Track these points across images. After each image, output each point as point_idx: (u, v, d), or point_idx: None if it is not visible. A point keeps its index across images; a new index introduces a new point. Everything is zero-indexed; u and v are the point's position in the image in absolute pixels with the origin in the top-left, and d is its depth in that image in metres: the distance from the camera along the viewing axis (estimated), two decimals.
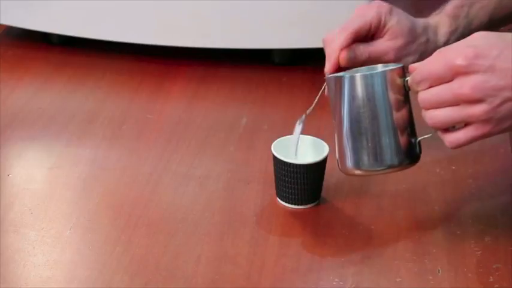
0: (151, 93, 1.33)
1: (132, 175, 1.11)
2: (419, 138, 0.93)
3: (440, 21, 1.06)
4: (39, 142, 1.20)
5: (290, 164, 1.01)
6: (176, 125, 1.23)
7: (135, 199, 1.06)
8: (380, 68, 0.95)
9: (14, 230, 1.00)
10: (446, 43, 1.04)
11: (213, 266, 0.94)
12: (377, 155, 0.92)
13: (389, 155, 0.91)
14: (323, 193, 1.05)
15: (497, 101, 0.83)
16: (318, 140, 1.05)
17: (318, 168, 1.03)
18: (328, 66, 0.99)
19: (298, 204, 1.04)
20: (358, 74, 0.91)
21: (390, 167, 0.92)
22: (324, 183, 1.05)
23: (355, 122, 0.92)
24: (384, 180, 1.09)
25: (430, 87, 0.86)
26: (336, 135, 0.95)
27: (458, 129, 0.87)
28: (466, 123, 0.86)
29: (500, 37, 0.85)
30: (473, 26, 1.06)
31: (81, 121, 1.24)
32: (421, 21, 1.04)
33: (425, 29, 1.04)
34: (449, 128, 0.87)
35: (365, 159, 0.92)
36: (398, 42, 1.01)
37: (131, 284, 0.92)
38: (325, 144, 1.04)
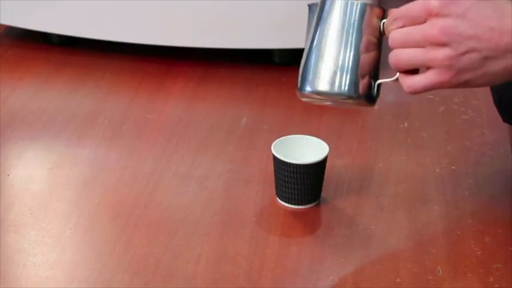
0: (151, 93, 1.33)
1: (132, 175, 1.11)
2: (379, 81, 0.92)
3: None
4: (39, 142, 1.20)
5: (290, 164, 1.02)
6: (176, 125, 1.23)
7: (135, 199, 1.06)
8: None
9: (14, 230, 1.00)
10: None
11: (213, 266, 0.94)
12: (334, 80, 0.90)
13: (346, 83, 0.90)
14: (323, 193, 1.06)
15: (461, 48, 0.83)
16: (318, 140, 1.05)
17: (318, 168, 1.03)
18: None
19: (298, 204, 1.04)
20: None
21: (344, 95, 0.90)
22: (324, 183, 1.05)
23: (324, 44, 0.91)
24: (384, 180, 1.09)
25: (403, 26, 0.87)
26: (303, 57, 0.94)
27: (417, 73, 0.87)
28: (427, 68, 0.86)
29: None
30: None
31: (81, 121, 1.24)
32: None
33: None
34: (410, 72, 0.87)
35: (324, 81, 0.91)
36: None
37: (131, 284, 0.92)
38: (325, 144, 1.04)
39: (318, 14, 0.92)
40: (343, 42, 0.90)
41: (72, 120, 1.24)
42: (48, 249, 0.97)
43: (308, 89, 0.91)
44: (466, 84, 0.85)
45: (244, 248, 0.97)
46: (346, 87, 0.90)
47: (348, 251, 0.97)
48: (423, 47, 0.84)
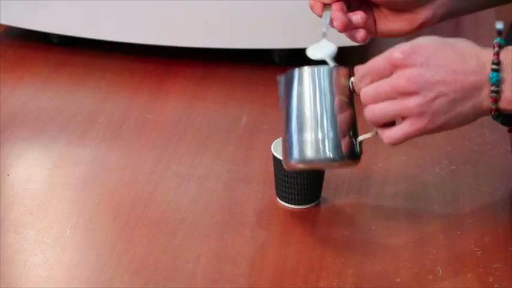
0: (151, 93, 1.33)
1: (132, 175, 1.11)
2: (359, 138, 0.93)
3: None
4: (39, 142, 1.20)
5: None
6: (176, 125, 1.23)
7: (135, 199, 1.06)
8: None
9: (14, 230, 1.00)
10: None
11: (213, 266, 0.94)
12: (318, 148, 0.92)
13: (330, 149, 0.92)
14: (323, 193, 1.06)
15: (431, 94, 0.86)
16: None
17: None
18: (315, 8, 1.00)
19: (298, 204, 1.04)
20: (306, 66, 0.94)
21: (330, 160, 0.92)
22: (324, 183, 1.05)
23: (300, 114, 0.93)
24: (384, 180, 1.09)
25: (372, 82, 0.89)
26: (283, 132, 0.95)
27: (394, 125, 0.89)
28: (402, 118, 0.88)
29: (439, 39, 0.89)
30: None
31: (81, 121, 1.24)
32: None
33: None
34: (388, 124, 0.89)
35: (307, 151, 0.92)
36: None
37: (131, 283, 0.92)
38: None
39: (287, 85, 0.94)
40: (318, 109, 0.92)
41: (72, 120, 1.24)
42: (48, 249, 0.97)
43: (293, 160, 0.93)
44: (441, 127, 0.88)
45: (244, 248, 0.97)
46: (330, 152, 0.92)
47: (348, 251, 0.97)
48: (394, 98, 0.87)
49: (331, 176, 1.07)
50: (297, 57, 1.40)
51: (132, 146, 1.18)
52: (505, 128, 1.14)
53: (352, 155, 0.93)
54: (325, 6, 0.99)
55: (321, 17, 0.99)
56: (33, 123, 1.23)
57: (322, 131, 0.92)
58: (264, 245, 0.98)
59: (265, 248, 0.98)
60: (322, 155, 0.92)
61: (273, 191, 1.06)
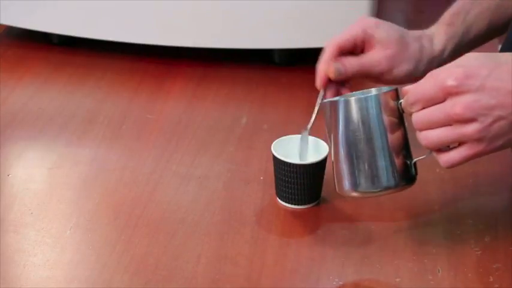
0: (151, 93, 1.33)
1: (132, 175, 1.11)
2: (414, 160, 0.93)
3: (437, 29, 1.06)
4: (39, 142, 1.20)
5: (290, 164, 1.02)
6: (176, 125, 1.23)
7: (135, 199, 1.06)
8: (374, 91, 0.95)
9: (14, 230, 1.00)
10: (443, 51, 1.05)
11: (213, 266, 0.94)
12: (373, 178, 0.92)
13: (385, 177, 0.92)
14: (323, 193, 1.06)
15: (489, 119, 0.84)
16: (318, 140, 1.05)
17: (318, 168, 1.03)
18: (317, 80, 1.02)
19: (298, 204, 1.04)
20: (353, 97, 0.92)
21: (386, 188, 0.93)
22: (324, 183, 1.05)
23: (350, 145, 0.92)
24: None
25: (423, 108, 0.87)
26: (332, 157, 0.96)
27: (452, 149, 0.88)
28: (459, 143, 0.87)
29: (490, 57, 0.86)
30: (472, 33, 1.07)
31: (81, 121, 1.24)
32: (414, 31, 1.05)
33: (419, 37, 1.04)
34: (443, 148, 0.88)
35: (361, 181, 0.93)
36: (389, 51, 1.01)
37: (131, 283, 0.92)
38: (325, 144, 1.03)
39: (334, 113, 0.93)
40: (371, 138, 0.91)
41: (72, 120, 1.24)
42: (48, 249, 0.97)
43: (347, 191, 0.94)
44: (500, 148, 0.87)
45: (244, 248, 0.97)
46: (385, 182, 0.92)
47: (348, 251, 0.97)
48: (450, 125, 0.85)
49: (331, 176, 1.07)
50: (297, 57, 1.40)
51: (132, 146, 1.18)
52: None
53: (407, 178, 0.93)
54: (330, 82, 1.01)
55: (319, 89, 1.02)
56: (33, 123, 1.23)
57: (379, 160, 0.91)
58: (264, 245, 0.98)
59: (265, 248, 0.98)
60: (377, 186, 0.92)
61: (273, 191, 1.06)
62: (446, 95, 0.85)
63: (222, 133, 1.21)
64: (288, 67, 1.40)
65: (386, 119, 0.91)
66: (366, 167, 0.92)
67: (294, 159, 1.03)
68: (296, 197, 1.04)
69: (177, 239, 0.99)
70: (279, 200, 1.05)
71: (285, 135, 1.06)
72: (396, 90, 0.92)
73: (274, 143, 1.04)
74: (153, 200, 1.06)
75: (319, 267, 0.95)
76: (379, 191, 0.93)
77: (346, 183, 0.94)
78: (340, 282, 0.92)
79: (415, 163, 0.94)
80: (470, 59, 0.86)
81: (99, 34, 1.39)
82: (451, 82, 0.85)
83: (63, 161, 1.15)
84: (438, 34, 1.06)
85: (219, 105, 1.30)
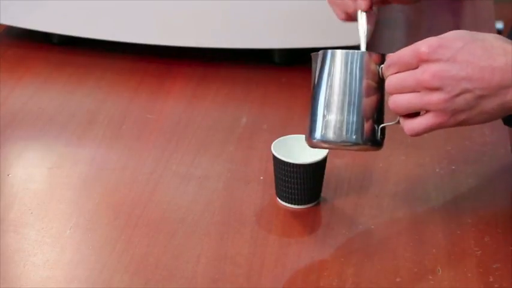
0: (151, 93, 1.33)
1: (132, 175, 1.11)
2: (382, 125, 0.94)
3: None
4: (39, 142, 1.20)
5: (290, 164, 1.02)
6: (176, 125, 1.23)
7: (135, 199, 1.06)
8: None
9: (14, 230, 1.00)
10: None
11: (213, 266, 0.94)
12: (341, 129, 0.93)
13: (352, 131, 0.93)
14: (323, 193, 1.06)
15: (455, 90, 0.86)
16: None
17: (318, 168, 1.03)
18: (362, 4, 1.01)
19: (298, 204, 1.04)
20: (339, 50, 0.94)
21: (352, 143, 0.93)
22: (324, 183, 1.05)
23: (328, 94, 0.94)
24: (384, 180, 1.09)
25: (398, 72, 0.89)
26: (310, 107, 0.96)
27: (417, 116, 0.89)
28: (425, 111, 0.88)
29: (468, 33, 0.88)
30: None
31: (81, 121, 1.24)
32: None
33: None
34: (410, 115, 0.90)
35: (330, 132, 0.94)
36: None
37: (131, 283, 0.92)
38: None
39: (319, 64, 0.95)
40: (347, 91, 0.93)
41: (72, 120, 1.24)
42: (48, 249, 0.97)
43: (316, 138, 0.94)
44: (463, 123, 0.88)
45: (244, 248, 0.97)
46: (352, 135, 0.93)
47: (348, 251, 0.97)
48: (418, 91, 0.87)
49: (331, 176, 1.07)
50: (297, 57, 1.40)
51: (132, 146, 1.18)
52: (505, 128, 1.14)
53: (373, 141, 0.94)
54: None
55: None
56: (33, 123, 1.23)
57: (347, 114, 0.93)
58: (264, 245, 0.98)
59: (265, 248, 0.98)
60: (343, 137, 0.93)
61: (273, 191, 1.06)
62: (419, 61, 0.87)
63: (222, 133, 1.21)
64: (288, 67, 1.40)
65: (365, 79, 0.93)
66: (337, 117, 0.93)
67: (294, 159, 1.03)
68: (296, 197, 1.04)
69: (177, 239, 0.99)
70: (279, 200, 1.05)
71: (285, 135, 1.06)
72: (382, 55, 0.93)
73: (274, 143, 1.04)
74: (153, 200, 1.06)
75: (319, 267, 0.95)
76: (344, 143, 0.93)
77: (316, 133, 0.94)
78: (340, 282, 0.92)
79: (383, 129, 0.94)
80: (450, 33, 0.88)
81: (99, 34, 1.39)
82: (424, 49, 0.87)
83: (63, 161, 1.15)
84: None
85: (219, 105, 1.30)
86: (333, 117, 0.93)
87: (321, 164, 1.03)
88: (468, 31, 0.89)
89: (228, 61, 1.41)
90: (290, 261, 0.96)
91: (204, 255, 0.96)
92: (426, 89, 0.87)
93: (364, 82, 0.93)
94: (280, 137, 1.06)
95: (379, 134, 0.94)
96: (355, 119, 0.93)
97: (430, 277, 0.93)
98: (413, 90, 0.88)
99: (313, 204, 1.05)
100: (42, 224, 1.01)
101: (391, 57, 0.91)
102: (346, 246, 0.98)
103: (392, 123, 0.93)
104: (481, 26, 1.50)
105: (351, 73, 0.93)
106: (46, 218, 1.02)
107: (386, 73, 0.91)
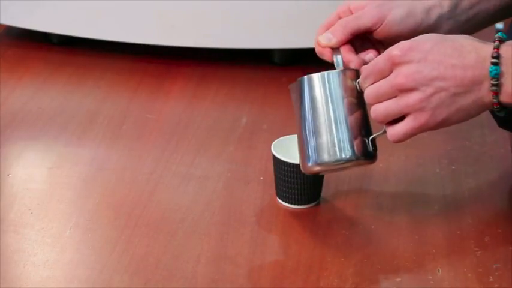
0: (151, 93, 1.33)
1: (132, 175, 1.11)
2: (371, 136, 0.95)
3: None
4: (39, 142, 1.20)
5: (290, 164, 1.02)
6: (176, 125, 1.23)
7: (135, 199, 1.06)
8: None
9: (14, 230, 1.00)
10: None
11: (213, 266, 0.94)
12: (331, 150, 0.94)
13: (342, 151, 0.94)
14: (323, 193, 1.06)
15: (430, 90, 0.87)
16: None
17: None
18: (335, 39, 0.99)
19: (298, 204, 1.04)
20: (315, 74, 0.95)
21: (344, 161, 0.94)
22: (324, 183, 1.05)
23: (313, 119, 0.95)
24: (384, 180, 1.09)
25: (374, 82, 0.90)
26: (297, 136, 0.97)
27: (398, 122, 0.90)
28: (405, 115, 0.89)
29: (439, 35, 0.90)
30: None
31: (81, 121, 1.24)
32: (423, 10, 1.02)
33: (428, 10, 1.02)
34: (394, 122, 0.90)
35: (322, 155, 0.94)
36: (377, 1, 0.98)
37: (131, 283, 0.92)
38: None
39: (298, 92, 0.96)
40: (329, 113, 0.94)
41: (72, 120, 1.24)
42: (48, 249, 0.97)
43: (311, 163, 0.95)
44: (444, 122, 0.88)
45: (244, 248, 0.97)
46: (344, 152, 0.94)
47: (348, 251, 0.97)
48: (395, 96, 0.88)
49: (331, 176, 1.07)
50: (297, 57, 1.40)
51: (132, 146, 1.18)
52: None
53: (366, 154, 0.94)
54: (334, 50, 0.98)
55: (331, 62, 0.99)
56: (33, 123, 1.23)
57: (335, 134, 0.94)
58: (264, 245, 0.98)
59: (265, 248, 0.98)
60: (336, 157, 0.94)
61: (273, 191, 1.06)
62: (392, 65, 0.88)
63: (222, 133, 1.21)
64: (288, 67, 1.40)
65: (345, 97, 0.94)
66: (326, 139, 0.94)
67: (294, 159, 1.03)
68: (296, 197, 1.04)
69: (177, 239, 0.99)
70: (279, 200, 1.05)
71: (285, 135, 1.06)
72: (356, 70, 0.94)
73: (274, 143, 1.04)
74: (153, 200, 1.06)
75: (319, 267, 0.95)
76: (338, 163, 0.94)
77: (309, 158, 0.95)
78: (340, 282, 0.92)
79: (372, 139, 0.95)
80: (421, 36, 0.90)
81: (99, 34, 1.39)
82: (395, 52, 0.88)
83: (63, 161, 1.15)
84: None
85: (218, 105, 1.30)
86: (322, 139, 0.94)
87: None
88: (439, 34, 0.90)
89: (228, 61, 1.41)
90: (290, 261, 0.96)
91: (204, 255, 0.96)
92: (402, 92, 0.88)
93: (345, 100, 0.94)
94: (280, 137, 1.06)
95: (370, 146, 0.95)
96: (344, 137, 0.93)
97: (430, 277, 0.93)
98: (390, 96, 0.89)
99: (313, 204, 1.05)
100: (42, 224, 1.01)
101: (366, 68, 0.92)
102: (346, 246, 0.98)
103: (380, 133, 0.94)
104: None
105: (330, 94, 0.94)
106: (46, 218, 1.02)
107: (363, 85, 0.92)
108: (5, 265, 0.95)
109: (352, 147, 0.93)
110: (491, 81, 0.86)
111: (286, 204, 1.05)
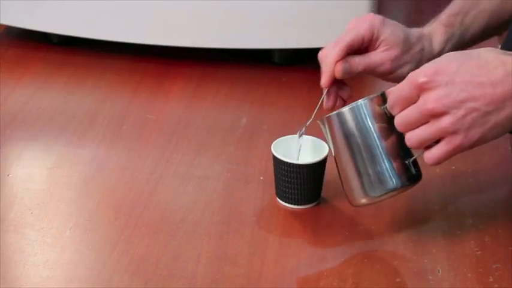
0: (151, 93, 1.33)
1: (132, 175, 1.11)
2: (411, 159, 0.95)
3: (434, 30, 1.08)
4: (39, 142, 1.20)
5: (290, 164, 1.02)
6: (176, 125, 1.23)
7: (135, 199, 1.06)
8: (361, 101, 0.96)
9: (14, 230, 1.00)
10: (441, 52, 1.06)
11: (213, 266, 0.94)
12: (377, 183, 0.94)
13: (387, 180, 0.94)
14: (323, 193, 1.06)
15: (461, 112, 0.86)
16: (318, 140, 1.05)
17: (318, 168, 1.03)
18: (324, 79, 1.01)
19: (298, 204, 1.04)
20: (342, 109, 0.95)
21: (391, 190, 0.94)
22: (324, 183, 1.05)
23: (350, 154, 0.95)
24: None
25: (403, 109, 0.90)
26: (340, 172, 0.98)
27: (434, 146, 0.89)
28: (439, 139, 0.88)
29: (462, 53, 0.89)
30: (469, 34, 1.09)
31: (81, 121, 1.24)
32: (415, 31, 1.06)
33: (420, 38, 1.06)
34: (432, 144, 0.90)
35: (367, 188, 0.95)
36: (393, 52, 1.02)
37: (131, 283, 0.92)
38: (325, 144, 1.03)
39: (330, 129, 0.96)
40: (367, 144, 0.94)
41: (72, 120, 1.24)
42: (48, 249, 0.97)
43: (361, 199, 0.96)
44: (480, 141, 0.87)
45: (244, 248, 0.97)
46: (391, 182, 0.94)
47: (348, 251, 0.97)
48: (427, 122, 0.87)
49: (331, 176, 1.07)
50: (297, 57, 1.40)
51: (132, 146, 1.18)
52: None
53: (411, 177, 0.94)
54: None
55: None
56: (33, 123, 1.23)
57: (378, 165, 0.93)
58: (264, 245, 0.98)
59: (265, 248, 0.98)
60: (385, 188, 0.94)
61: (273, 191, 1.06)
62: (419, 92, 0.87)
63: (222, 133, 1.21)
64: (288, 67, 1.40)
65: (377, 124, 0.93)
66: (369, 173, 0.94)
67: (294, 159, 1.03)
68: (296, 197, 1.04)
69: (177, 239, 0.99)
70: (279, 200, 1.05)
71: (285, 135, 1.06)
72: (382, 95, 0.94)
73: (274, 143, 1.04)
74: (153, 200, 1.06)
75: (319, 267, 0.95)
76: (385, 194, 0.94)
77: (354, 193, 0.96)
78: (340, 282, 0.92)
79: (414, 161, 0.95)
80: (443, 57, 0.89)
81: (99, 34, 1.39)
82: (422, 79, 0.87)
83: (63, 161, 1.15)
84: (436, 35, 1.07)
85: (219, 105, 1.30)
86: (367, 173, 0.94)
87: (321, 164, 1.03)
88: (460, 51, 0.90)
89: (228, 61, 1.41)
90: (290, 261, 0.96)
91: (204, 255, 0.96)
92: (433, 117, 0.87)
93: (378, 127, 0.93)
94: (280, 137, 1.06)
95: (412, 168, 0.94)
96: (386, 166, 0.93)
97: (430, 277, 0.93)
98: (421, 122, 0.88)
99: (313, 204, 1.05)
100: (42, 224, 1.01)
101: (391, 96, 0.91)
102: (346, 246, 0.98)
103: (419, 154, 0.93)
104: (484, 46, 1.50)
105: (363, 126, 0.93)
106: (46, 218, 1.02)
107: (393, 112, 0.91)
108: (5, 265, 0.95)
109: (397, 173, 0.93)
110: None
111: (286, 204, 1.05)
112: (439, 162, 0.90)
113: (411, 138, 0.90)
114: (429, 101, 0.86)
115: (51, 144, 1.20)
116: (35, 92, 1.32)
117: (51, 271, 0.94)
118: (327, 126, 0.96)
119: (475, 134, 0.87)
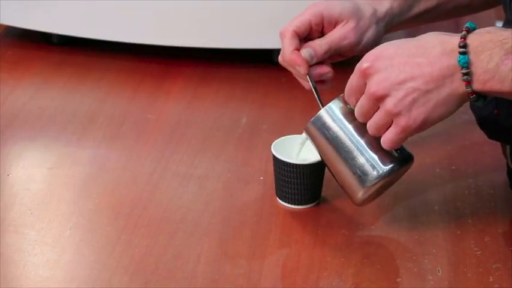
0: (151, 93, 1.33)
1: (132, 175, 1.11)
2: None
3: None
4: (39, 142, 1.20)
5: (290, 164, 1.02)
6: (176, 125, 1.23)
7: (135, 199, 1.06)
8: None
9: (14, 230, 1.00)
10: (392, 8, 1.06)
11: (213, 266, 0.94)
12: (364, 175, 0.95)
13: (371, 170, 0.94)
14: (323, 193, 1.06)
15: (400, 92, 0.87)
16: None
17: (318, 168, 1.03)
18: (300, 68, 1.02)
19: (298, 204, 1.04)
20: (319, 113, 0.96)
21: (381, 178, 0.95)
22: (324, 183, 1.05)
23: (336, 155, 0.96)
24: None
25: (357, 100, 0.92)
26: (334, 175, 0.99)
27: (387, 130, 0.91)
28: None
29: (404, 39, 0.91)
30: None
31: (81, 121, 1.24)
32: None
33: (368, 1, 1.06)
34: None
35: (359, 182, 0.95)
36: (351, 24, 1.03)
37: (131, 283, 0.92)
38: None
39: (312, 136, 0.98)
40: (346, 141, 0.95)
41: (72, 120, 1.24)
42: (48, 249, 0.97)
43: (359, 195, 0.96)
44: (426, 122, 0.88)
45: (244, 248, 0.97)
46: (373, 172, 0.94)
47: (348, 251, 0.97)
48: (378, 108, 0.89)
49: (331, 176, 1.07)
50: None
51: (132, 146, 1.18)
52: None
53: (393, 160, 0.95)
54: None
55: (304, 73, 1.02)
56: (33, 123, 1.23)
57: (360, 159, 0.94)
58: (264, 245, 0.98)
59: (265, 248, 0.98)
60: (371, 180, 0.94)
61: (273, 191, 1.06)
62: (365, 78, 0.89)
63: (222, 133, 1.21)
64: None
65: (348, 122, 0.95)
66: (356, 168, 0.95)
67: (294, 159, 1.03)
68: (296, 197, 1.04)
69: (177, 239, 0.99)
70: (279, 200, 1.05)
71: (285, 135, 1.06)
72: (343, 95, 0.95)
73: (274, 143, 1.04)
74: (153, 200, 1.06)
75: (319, 267, 0.95)
76: (378, 182, 0.95)
77: (353, 191, 0.96)
78: (340, 282, 0.92)
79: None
80: (385, 43, 0.91)
81: (99, 34, 1.39)
82: (364, 64, 0.89)
83: (63, 161, 1.15)
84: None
85: (219, 106, 1.30)
86: (355, 168, 0.95)
87: (321, 164, 1.03)
88: (398, 39, 0.91)
89: (228, 61, 1.41)
90: (290, 261, 0.96)
91: (204, 255, 0.96)
92: (379, 102, 0.89)
93: (350, 125, 0.95)
94: (280, 137, 1.06)
95: (395, 152, 0.95)
96: (367, 157, 0.94)
97: (430, 277, 0.93)
98: (374, 109, 0.90)
99: (313, 204, 1.05)
100: (42, 224, 1.01)
101: (345, 89, 0.93)
102: (346, 246, 0.98)
103: None
104: (481, 26, 1.50)
105: (336, 128, 0.95)
106: (46, 218, 1.02)
107: (351, 105, 0.93)
108: (5, 265, 0.95)
109: (377, 163, 0.94)
110: (462, 71, 0.85)
111: (286, 204, 1.05)
112: (392, 145, 0.91)
113: (370, 126, 0.91)
114: (372, 86, 0.88)
115: (51, 144, 1.20)
116: (35, 92, 1.32)
117: (51, 271, 0.94)
118: (308, 136, 0.98)
119: (419, 114, 0.88)
